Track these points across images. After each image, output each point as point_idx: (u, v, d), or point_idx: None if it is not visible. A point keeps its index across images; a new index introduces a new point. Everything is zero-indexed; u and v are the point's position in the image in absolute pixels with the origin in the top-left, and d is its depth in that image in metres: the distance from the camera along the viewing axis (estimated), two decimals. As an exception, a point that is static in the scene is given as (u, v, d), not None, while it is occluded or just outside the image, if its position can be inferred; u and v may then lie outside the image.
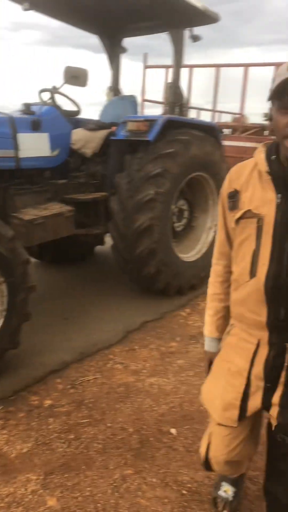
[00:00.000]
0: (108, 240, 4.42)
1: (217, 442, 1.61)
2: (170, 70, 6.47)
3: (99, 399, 2.78)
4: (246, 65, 5.98)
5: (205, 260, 4.66)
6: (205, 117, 7.67)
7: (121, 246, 4.02)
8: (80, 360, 3.23)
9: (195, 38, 4.74)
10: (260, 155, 1.39)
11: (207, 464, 1.71)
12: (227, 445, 1.58)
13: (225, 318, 1.60)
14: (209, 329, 1.66)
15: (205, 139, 4.32)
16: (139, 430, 2.50)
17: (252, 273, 1.35)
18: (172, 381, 3.03)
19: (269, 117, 1.35)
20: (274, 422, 1.43)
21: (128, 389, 2.91)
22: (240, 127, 6.63)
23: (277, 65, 5.82)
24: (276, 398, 1.39)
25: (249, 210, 1.34)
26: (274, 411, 1.40)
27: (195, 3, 4.19)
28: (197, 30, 4.80)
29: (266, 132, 6.95)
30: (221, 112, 8.02)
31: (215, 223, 4.71)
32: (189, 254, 4.55)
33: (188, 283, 4.46)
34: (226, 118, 8.30)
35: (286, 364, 1.36)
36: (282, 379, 1.37)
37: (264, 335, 1.38)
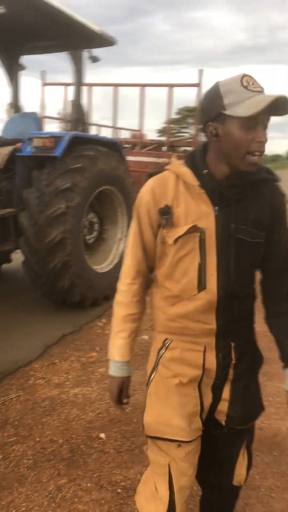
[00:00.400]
0: (17, 256, 4.36)
1: (181, 467, 1.44)
2: (69, 88, 6.61)
3: (24, 415, 2.74)
4: (143, 85, 6.34)
5: (118, 270, 4.77)
6: (104, 133, 7.91)
7: (33, 261, 4.00)
8: (0, 380, 3.14)
9: (94, 59, 4.92)
10: (182, 169, 1.35)
11: (172, 505, 1.44)
12: (192, 462, 1.46)
13: (135, 339, 1.51)
14: (121, 352, 1.48)
15: (109, 154, 4.50)
16: (68, 440, 2.52)
17: (201, 286, 1.35)
18: (96, 389, 3.09)
19: (212, 133, 1.29)
20: (222, 418, 1.46)
21: (53, 402, 2.90)
22: (140, 143, 6.96)
23: (170, 86, 6.26)
24: (226, 393, 1.43)
25: (194, 226, 1.32)
26: (224, 405, 1.44)
27: (92, 26, 4.38)
28: (95, 51, 5.00)
29: (164, 148, 7.37)
30: (121, 128, 8.33)
31: (125, 234, 4.89)
32: (102, 265, 4.67)
33: (102, 294, 4.55)
34: (125, 135, 8.64)
35: (233, 362, 1.41)
36: (230, 376, 1.42)
37: (211, 340, 1.40)
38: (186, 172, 1.34)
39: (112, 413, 2.79)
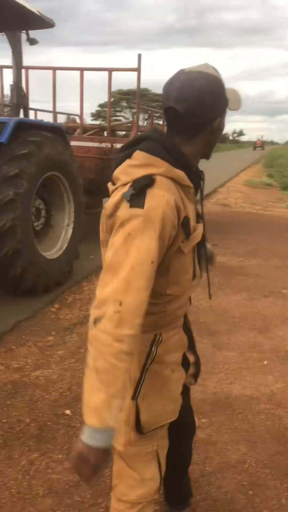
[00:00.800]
0: None
1: (164, 443, 1.50)
2: (5, 71, 6.43)
3: (-12, 400, 2.79)
4: (82, 69, 6.31)
5: (68, 256, 4.87)
6: (40, 117, 7.78)
7: (-17, 249, 3.96)
8: None
9: (32, 41, 4.86)
10: (177, 171, 1.21)
11: (162, 479, 1.50)
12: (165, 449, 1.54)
13: None
14: (114, 414, 1.12)
15: (55, 140, 4.50)
16: (35, 418, 2.62)
17: (195, 277, 1.39)
18: (57, 371, 3.18)
19: (216, 127, 1.32)
20: (190, 380, 1.61)
21: (16, 386, 2.97)
22: (80, 128, 6.94)
23: (110, 70, 6.28)
24: (191, 357, 1.57)
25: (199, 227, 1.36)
26: (192, 368, 1.59)
27: (30, 7, 4.32)
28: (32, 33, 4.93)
29: (105, 133, 7.41)
30: (61, 113, 8.23)
31: (72, 220, 4.94)
32: (52, 251, 4.70)
33: (54, 280, 4.60)
34: (62, 119, 8.55)
35: (189, 326, 1.59)
36: (191, 340, 1.57)
37: (183, 317, 1.50)
38: (182, 175, 1.22)
39: (75, 391, 2.91)
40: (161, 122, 8.70)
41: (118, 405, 1.13)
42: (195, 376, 1.64)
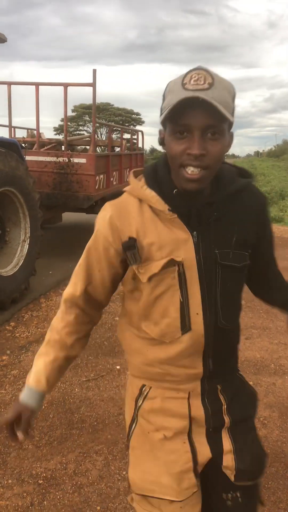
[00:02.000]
0: None
1: None
2: None
3: None
4: (37, 84, 6.29)
5: (24, 272, 4.78)
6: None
7: None
8: None
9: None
10: (145, 191, 1.13)
11: None
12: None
13: (59, 371, 1.27)
14: (38, 378, 1.25)
15: (8, 154, 4.45)
16: (-15, 442, 2.53)
17: (185, 327, 1.15)
18: (10, 391, 3.10)
19: (159, 141, 1.13)
20: (231, 472, 1.21)
21: None
22: (37, 142, 6.89)
23: (65, 85, 6.29)
24: (227, 444, 1.21)
25: (171, 260, 1.11)
26: (228, 459, 1.20)
27: (-19, 23, 4.29)
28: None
29: (62, 147, 7.39)
30: (17, 127, 8.15)
31: (28, 235, 4.87)
32: (7, 268, 4.61)
33: (9, 297, 4.50)
34: (20, 134, 8.47)
35: (224, 406, 1.22)
36: (226, 423, 1.22)
37: (196, 385, 1.21)
38: (151, 196, 1.12)
39: (28, 411, 2.84)
40: (120, 136, 8.77)
41: (38, 366, 1.28)
42: (237, 472, 1.20)
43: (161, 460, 1.21)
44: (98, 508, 2.08)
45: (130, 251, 1.12)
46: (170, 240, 1.12)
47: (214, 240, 1.13)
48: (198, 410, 1.20)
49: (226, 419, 1.21)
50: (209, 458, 1.21)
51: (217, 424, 1.21)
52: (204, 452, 1.21)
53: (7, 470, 2.32)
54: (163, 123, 1.07)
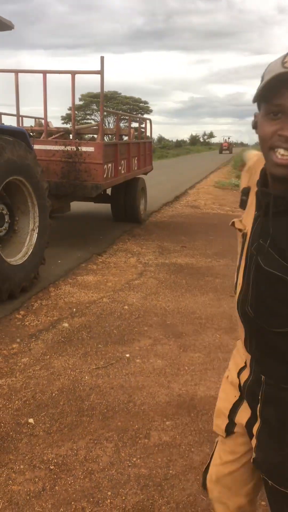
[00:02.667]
0: None
1: (216, 454, 1.41)
2: None
3: None
4: (45, 72, 6.24)
5: (33, 261, 4.79)
6: (5, 122, 7.66)
7: None
8: None
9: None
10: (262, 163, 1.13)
11: (204, 474, 1.47)
12: (220, 457, 1.37)
13: None
14: None
15: (16, 143, 4.43)
16: (-3, 429, 2.56)
17: (236, 289, 1.21)
18: (20, 379, 3.12)
19: (253, 124, 1.09)
20: (253, 455, 1.25)
21: (-23, 396, 2.89)
22: (45, 131, 6.86)
23: (73, 73, 6.24)
24: (255, 428, 1.22)
25: (242, 222, 1.18)
26: (253, 442, 1.23)
27: (-12, 10, 4.25)
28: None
29: (70, 136, 7.36)
30: (25, 116, 8.12)
31: (37, 224, 4.88)
32: (16, 257, 4.62)
33: (18, 286, 4.52)
34: (28, 123, 8.44)
35: (261, 398, 1.19)
36: (258, 412, 1.21)
37: (248, 357, 1.25)
38: (262, 164, 1.13)
39: (38, 399, 2.87)
40: (127, 125, 8.70)
41: None
42: (256, 460, 1.23)
43: (220, 394, 1.39)
44: (109, 493, 2.10)
45: (243, 196, 1.22)
46: (249, 208, 1.18)
47: (262, 233, 1.09)
48: (243, 378, 1.26)
49: (259, 408, 1.20)
50: (242, 427, 1.28)
51: (253, 406, 1.23)
52: (240, 420, 1.28)
53: (18, 456, 2.34)
54: (258, 104, 1.04)
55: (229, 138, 61.75)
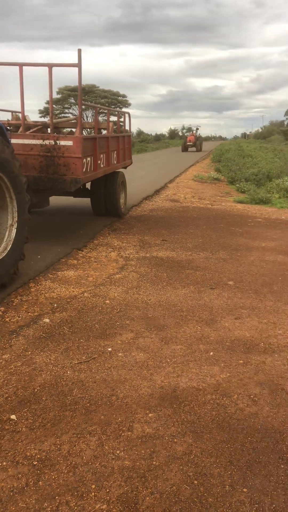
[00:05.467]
0: None
1: None
2: None
3: None
4: (21, 65, 6.13)
5: (12, 257, 4.74)
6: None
7: None
8: None
9: None
10: None
11: None
12: None
13: None
14: None
15: (-7, 137, 4.36)
16: (-22, 426, 2.54)
17: None
18: (2, 375, 3.10)
19: None
20: None
21: None
22: (22, 125, 6.76)
23: (49, 65, 6.16)
24: None
25: None
26: None
27: None
28: None
29: (48, 130, 7.27)
30: (2, 110, 7.98)
31: (16, 219, 4.82)
32: (-5, 253, 4.55)
33: (-2, 282, 4.47)
34: (4, 117, 8.30)
35: None
36: None
37: None
38: None
39: (20, 395, 2.85)
40: (106, 119, 8.65)
41: None
42: None
43: None
44: (93, 486, 2.11)
45: None
46: None
47: None
48: None
49: None
50: None
51: None
52: None
53: (1, 453, 2.33)
54: None
55: (197, 129, 45.67)
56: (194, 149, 41.07)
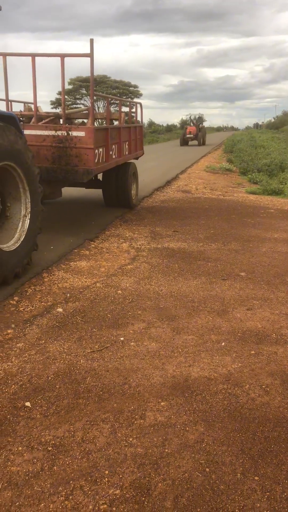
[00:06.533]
0: None
1: None
2: None
3: None
4: (34, 55, 6.14)
5: (26, 247, 4.79)
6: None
7: None
8: None
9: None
10: None
11: None
12: None
13: None
14: None
15: (6, 128, 4.38)
16: (-6, 412, 2.59)
17: None
18: (16, 363, 3.15)
19: None
20: None
21: (-26, 381, 2.92)
22: (35, 116, 6.78)
23: (62, 56, 6.15)
24: None
25: None
26: None
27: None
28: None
29: (61, 120, 7.27)
30: (15, 101, 8.00)
31: (29, 210, 4.86)
32: (9, 243, 4.60)
33: (12, 272, 4.52)
34: (17, 108, 8.31)
35: None
36: None
37: None
38: None
39: (34, 382, 2.90)
40: (117, 109, 8.62)
41: None
42: None
43: None
44: (107, 472, 2.15)
45: None
46: None
47: None
48: None
49: None
50: None
51: None
52: None
53: (16, 438, 2.38)
54: None
55: (199, 117, 37.47)
56: (195, 142, 34.13)
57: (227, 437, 2.41)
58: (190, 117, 37.75)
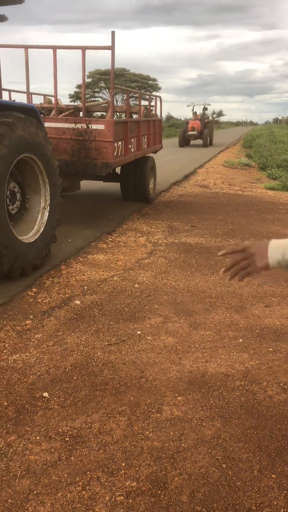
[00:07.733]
0: None
1: None
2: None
3: None
4: (55, 47, 6.14)
5: (44, 239, 4.82)
6: (18, 99, 7.57)
7: None
8: None
9: (2, 18, 4.72)
10: None
11: None
12: None
13: None
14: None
15: (27, 120, 4.41)
16: (13, 402, 2.63)
17: None
18: (34, 354, 3.18)
19: None
20: None
21: (-7, 370, 2.96)
22: (55, 108, 6.80)
23: (83, 48, 6.13)
24: None
25: None
26: None
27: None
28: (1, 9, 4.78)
29: (80, 113, 7.28)
30: (35, 94, 8.04)
31: (48, 202, 4.88)
32: (28, 235, 4.64)
33: (31, 264, 4.56)
34: (36, 100, 8.34)
35: None
36: None
37: None
38: None
39: (52, 373, 2.93)
40: (137, 103, 8.58)
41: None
42: None
43: None
44: (123, 464, 2.17)
45: None
46: None
47: None
48: None
49: None
50: None
51: None
52: None
53: (34, 428, 2.41)
54: None
55: (205, 109, 27.85)
56: (200, 141, 25.19)
57: (244, 433, 2.40)
58: (193, 107, 27.92)
